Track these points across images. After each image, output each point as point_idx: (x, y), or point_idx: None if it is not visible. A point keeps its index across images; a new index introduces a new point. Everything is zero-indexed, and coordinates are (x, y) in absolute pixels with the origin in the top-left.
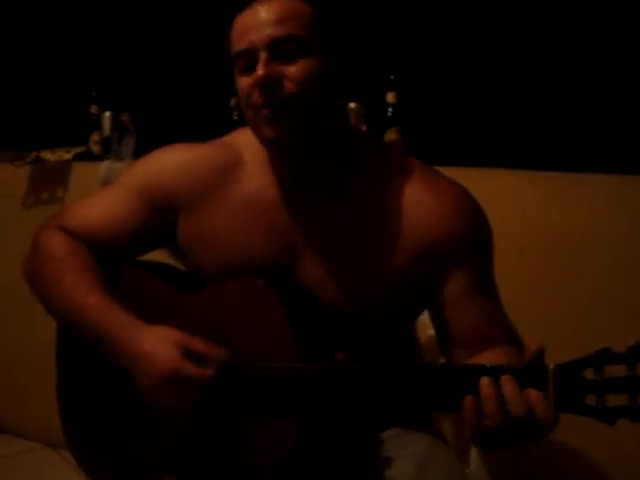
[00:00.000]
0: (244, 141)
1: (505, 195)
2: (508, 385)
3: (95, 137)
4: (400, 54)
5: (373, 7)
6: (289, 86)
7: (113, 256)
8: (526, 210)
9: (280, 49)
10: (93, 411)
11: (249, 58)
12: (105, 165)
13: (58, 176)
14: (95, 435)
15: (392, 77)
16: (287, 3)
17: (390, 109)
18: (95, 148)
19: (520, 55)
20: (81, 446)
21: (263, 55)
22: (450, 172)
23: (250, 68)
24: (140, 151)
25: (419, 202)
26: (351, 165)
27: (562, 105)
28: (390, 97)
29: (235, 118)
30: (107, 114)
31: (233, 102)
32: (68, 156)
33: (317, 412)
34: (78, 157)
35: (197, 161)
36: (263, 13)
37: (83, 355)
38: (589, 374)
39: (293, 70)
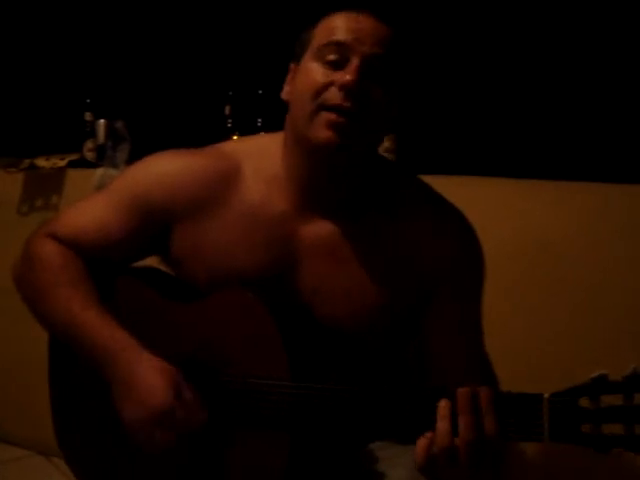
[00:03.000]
0: (244, 151)
1: (497, 203)
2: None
3: (89, 144)
4: None
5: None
6: (369, 104)
7: (104, 263)
8: (517, 218)
9: (372, 66)
10: (86, 419)
11: (339, 53)
12: (99, 172)
13: (52, 183)
14: (89, 443)
15: None
16: (390, 30)
17: None
18: (89, 155)
19: (513, 65)
20: (74, 454)
21: (356, 61)
22: (442, 180)
23: (335, 64)
24: (134, 158)
25: (419, 226)
26: (358, 185)
27: (553, 115)
28: None
29: (229, 126)
30: (101, 121)
31: (227, 110)
32: (62, 163)
33: (307, 428)
34: (72, 164)
35: (192, 171)
36: (370, 26)
37: (76, 365)
38: (584, 402)
39: (379, 93)
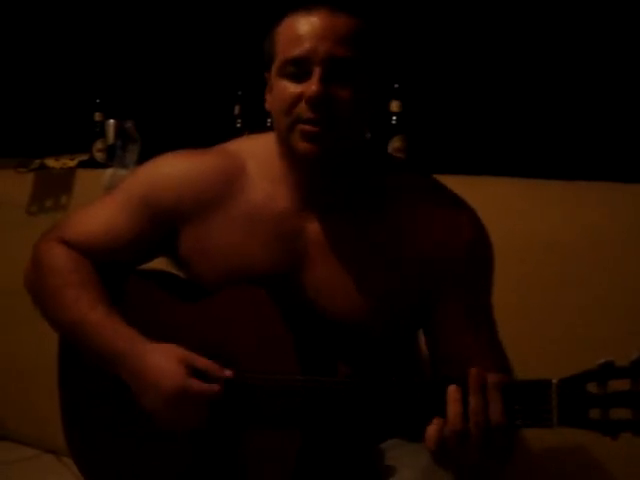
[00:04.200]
0: (248, 150)
1: (505, 203)
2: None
3: (99, 145)
4: (404, 63)
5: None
6: (338, 108)
7: (113, 266)
8: (526, 218)
9: (335, 68)
10: (96, 418)
11: (300, 66)
12: (109, 173)
13: (62, 183)
14: (98, 442)
15: (396, 86)
16: (349, 21)
17: (394, 117)
18: (99, 155)
19: (521, 64)
20: (83, 453)
21: (319, 70)
22: (452, 180)
23: (299, 77)
24: (144, 159)
25: (424, 220)
26: (359, 179)
27: (560, 114)
28: (394, 106)
29: (239, 126)
30: (111, 122)
31: (237, 110)
32: (72, 163)
33: (318, 424)
34: (82, 164)
35: (198, 171)
36: (326, 25)
37: (85, 364)
38: (592, 388)
39: (346, 94)
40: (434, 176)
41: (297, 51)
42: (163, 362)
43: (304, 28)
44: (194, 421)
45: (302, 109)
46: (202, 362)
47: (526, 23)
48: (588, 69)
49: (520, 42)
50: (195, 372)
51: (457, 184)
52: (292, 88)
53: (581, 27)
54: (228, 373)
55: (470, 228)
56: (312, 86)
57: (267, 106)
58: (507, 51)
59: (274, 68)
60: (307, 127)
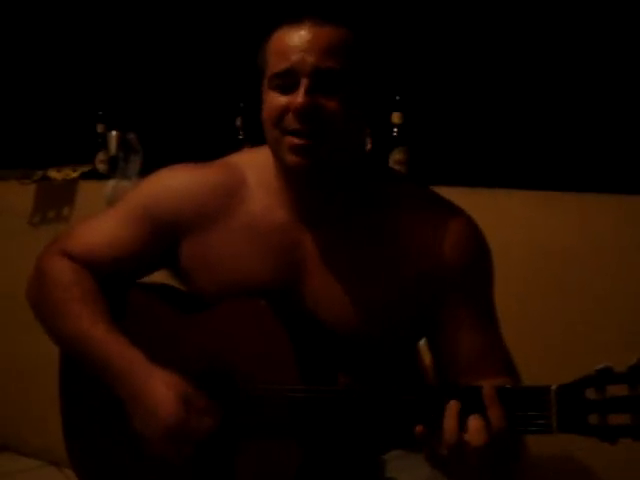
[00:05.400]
0: (247, 162)
1: (510, 215)
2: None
3: (101, 156)
4: (405, 75)
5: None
6: (326, 120)
7: (116, 278)
8: (528, 230)
9: (322, 79)
10: (97, 431)
11: (288, 79)
12: (111, 184)
13: (64, 194)
14: (98, 454)
15: (397, 98)
16: (336, 32)
17: (395, 129)
18: (101, 167)
19: (525, 75)
20: (84, 465)
21: (305, 82)
22: (453, 192)
23: (287, 89)
24: (146, 170)
25: (423, 229)
26: (357, 190)
27: (568, 125)
28: (396, 117)
29: (241, 137)
30: (113, 133)
31: (239, 122)
32: (74, 175)
33: (320, 434)
34: (84, 176)
35: (200, 184)
36: (312, 37)
37: (86, 377)
38: (591, 394)
39: (333, 105)
40: (435, 187)
41: (284, 64)
42: (163, 392)
43: (291, 41)
44: (186, 455)
45: (289, 120)
46: (200, 403)
47: (528, 32)
48: (589, 82)
49: (522, 51)
50: (193, 408)
51: (458, 196)
52: (280, 99)
53: (587, 40)
54: (216, 422)
55: (468, 235)
56: (298, 97)
57: (262, 119)
58: (509, 62)
59: (266, 78)
60: (295, 140)
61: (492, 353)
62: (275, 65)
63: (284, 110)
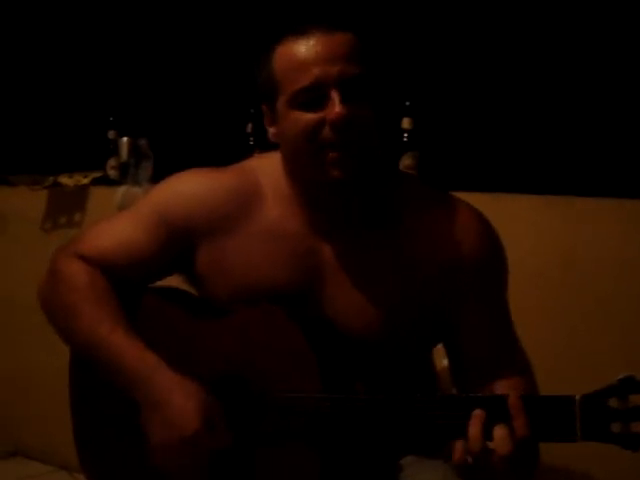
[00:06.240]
0: (263, 169)
1: (521, 220)
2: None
3: (112, 162)
4: (415, 81)
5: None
6: (362, 129)
7: (130, 282)
8: (542, 235)
9: (349, 87)
10: (108, 436)
11: (314, 93)
12: (122, 190)
13: (76, 201)
14: (110, 459)
15: (407, 103)
16: (347, 39)
17: (406, 135)
18: (112, 173)
19: (535, 79)
20: (96, 471)
21: (336, 93)
22: (464, 197)
23: (315, 104)
24: (157, 176)
25: (439, 232)
26: (374, 196)
27: (573, 130)
28: (406, 123)
29: (251, 143)
30: (125, 139)
31: (250, 128)
32: (86, 181)
33: (341, 441)
34: (96, 182)
35: (213, 189)
36: (326, 47)
37: (97, 382)
38: (613, 403)
39: (365, 112)
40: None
41: (307, 79)
42: (185, 402)
43: (306, 54)
44: (196, 468)
45: (326, 134)
46: (219, 418)
47: (535, 39)
48: (595, 87)
49: (533, 58)
50: (210, 423)
51: (469, 201)
52: (309, 116)
53: (596, 47)
54: (229, 440)
55: (482, 233)
56: (335, 109)
57: (272, 138)
58: (520, 67)
59: (282, 100)
60: (336, 154)
61: (509, 353)
62: (295, 82)
63: (317, 125)
